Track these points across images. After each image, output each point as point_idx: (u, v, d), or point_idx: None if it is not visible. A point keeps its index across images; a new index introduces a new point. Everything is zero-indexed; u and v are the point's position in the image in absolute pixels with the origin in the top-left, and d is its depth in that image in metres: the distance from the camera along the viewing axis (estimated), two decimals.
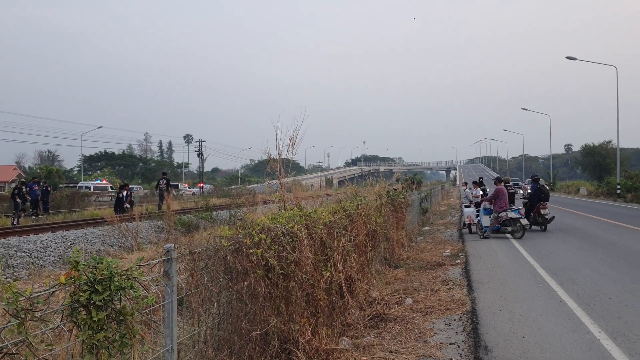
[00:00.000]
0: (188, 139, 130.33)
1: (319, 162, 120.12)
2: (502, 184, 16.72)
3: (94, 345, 2.78)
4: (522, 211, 16.88)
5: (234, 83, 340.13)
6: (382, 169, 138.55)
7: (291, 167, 7.31)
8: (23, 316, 2.44)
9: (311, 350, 5.00)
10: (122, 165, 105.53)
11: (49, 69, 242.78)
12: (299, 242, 5.03)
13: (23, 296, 2.46)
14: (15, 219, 23.69)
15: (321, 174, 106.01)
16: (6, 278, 11.90)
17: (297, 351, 4.79)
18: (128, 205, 23.57)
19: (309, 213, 5.98)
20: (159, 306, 3.61)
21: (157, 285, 3.69)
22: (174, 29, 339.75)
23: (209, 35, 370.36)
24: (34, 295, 2.53)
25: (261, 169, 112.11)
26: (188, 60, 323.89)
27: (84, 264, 2.82)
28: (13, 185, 42.67)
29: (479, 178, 22.40)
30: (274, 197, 7.11)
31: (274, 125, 6.54)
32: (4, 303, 2.39)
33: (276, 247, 4.66)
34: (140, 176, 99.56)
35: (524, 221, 15.85)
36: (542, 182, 19.37)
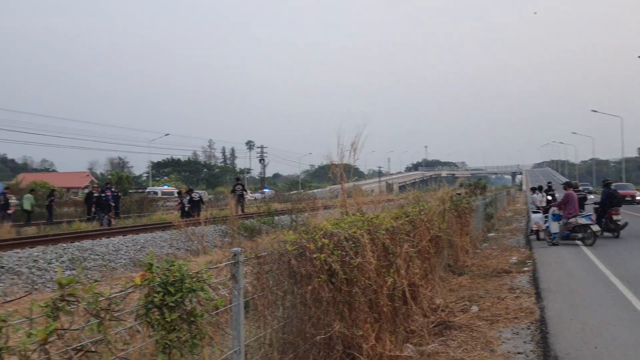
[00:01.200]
0: (250, 145, 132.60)
1: (380, 167, 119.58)
2: (572, 188, 16.10)
3: (167, 345, 2.89)
4: (594, 217, 16.15)
5: (295, 89, 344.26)
6: (444, 173, 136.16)
7: (352, 172, 7.33)
8: (102, 316, 2.57)
9: (375, 356, 4.98)
10: (188, 171, 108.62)
11: (121, 79, 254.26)
12: (361, 247, 5.02)
13: (103, 297, 2.58)
14: (109, 220, 24.84)
15: (381, 179, 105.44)
16: None
17: (360, 356, 4.78)
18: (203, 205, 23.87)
19: (371, 218, 5.97)
20: (226, 308, 3.70)
21: (224, 288, 3.79)
22: (240, 37, 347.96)
23: (276, 44, 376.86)
24: (112, 296, 2.65)
25: (321, 175, 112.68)
26: (251, 70, 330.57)
27: (157, 266, 2.94)
28: (86, 190, 44.85)
29: (548, 183, 21.64)
30: (335, 203, 7.15)
31: (336, 131, 6.60)
32: (84, 303, 2.52)
33: (339, 252, 4.68)
34: (204, 182, 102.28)
35: (595, 227, 15.11)
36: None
